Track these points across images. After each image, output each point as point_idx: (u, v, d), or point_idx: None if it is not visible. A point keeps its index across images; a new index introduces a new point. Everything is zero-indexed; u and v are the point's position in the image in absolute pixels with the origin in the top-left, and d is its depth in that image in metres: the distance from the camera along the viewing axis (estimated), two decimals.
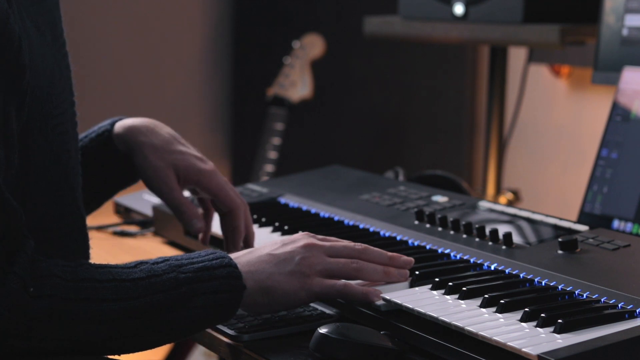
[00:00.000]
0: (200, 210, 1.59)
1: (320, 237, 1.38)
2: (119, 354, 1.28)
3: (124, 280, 1.24)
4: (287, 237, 1.37)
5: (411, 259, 1.38)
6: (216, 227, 1.67)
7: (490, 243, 1.48)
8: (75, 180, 1.37)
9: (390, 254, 1.38)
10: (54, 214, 1.32)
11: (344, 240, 1.39)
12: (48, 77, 1.30)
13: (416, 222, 1.60)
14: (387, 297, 1.31)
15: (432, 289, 1.33)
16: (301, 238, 1.36)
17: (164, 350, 2.88)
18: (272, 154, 3.01)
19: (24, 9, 1.28)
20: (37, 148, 1.29)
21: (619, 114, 1.74)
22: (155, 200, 1.93)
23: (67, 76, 1.37)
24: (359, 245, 1.37)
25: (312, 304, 1.42)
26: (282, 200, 1.81)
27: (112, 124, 1.57)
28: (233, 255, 1.32)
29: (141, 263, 1.28)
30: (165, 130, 1.57)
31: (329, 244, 1.36)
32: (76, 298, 1.21)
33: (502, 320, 1.21)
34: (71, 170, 1.35)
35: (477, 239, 1.50)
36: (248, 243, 1.57)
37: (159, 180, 1.54)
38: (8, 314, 1.18)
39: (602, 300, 1.25)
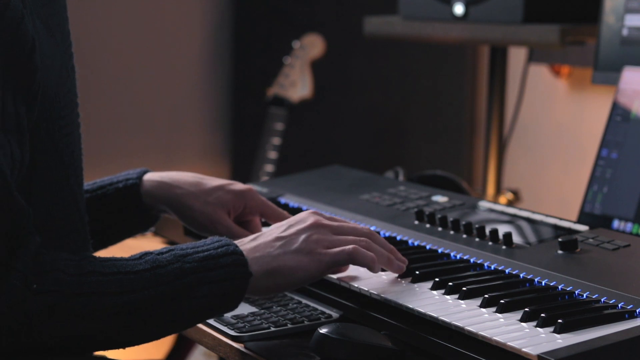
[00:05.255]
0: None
1: (327, 215, 1.38)
2: (124, 347, 1.28)
3: (129, 273, 1.24)
4: (293, 218, 1.36)
5: (406, 259, 1.39)
6: None
7: (490, 243, 1.48)
8: (76, 181, 1.37)
9: (391, 246, 1.39)
10: (54, 214, 1.33)
11: (351, 222, 1.39)
12: (56, 78, 1.31)
13: (416, 222, 1.60)
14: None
15: (432, 289, 1.33)
16: (308, 217, 1.36)
17: (164, 350, 2.89)
18: (272, 154, 3.01)
19: (35, 9, 1.29)
20: (42, 148, 1.29)
21: (619, 114, 1.74)
22: None
23: (72, 77, 1.38)
24: (365, 229, 1.38)
25: (311, 304, 1.42)
26: (282, 200, 1.81)
27: (139, 178, 1.59)
28: (239, 242, 1.31)
29: (146, 254, 1.28)
30: (188, 175, 1.60)
31: (336, 224, 1.36)
32: (80, 292, 1.21)
33: (502, 320, 1.21)
34: (73, 171, 1.35)
35: (477, 239, 1.50)
36: None
37: (214, 223, 1.56)
38: (10, 311, 1.18)
39: (602, 300, 1.25)
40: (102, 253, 1.61)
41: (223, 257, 1.28)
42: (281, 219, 1.57)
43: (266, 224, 1.63)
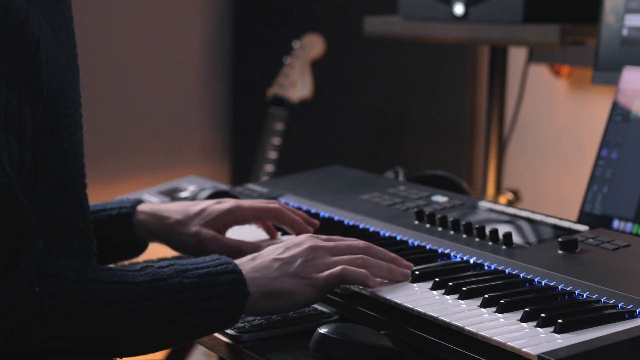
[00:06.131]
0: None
1: (324, 237, 1.38)
2: (120, 357, 1.28)
3: (130, 283, 1.25)
4: (290, 241, 1.37)
5: (411, 264, 1.39)
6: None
7: (490, 243, 1.48)
8: (79, 181, 1.37)
9: (392, 255, 1.38)
10: (57, 214, 1.33)
11: (348, 239, 1.39)
12: (61, 78, 1.31)
13: (416, 222, 1.60)
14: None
15: (432, 289, 1.33)
16: (305, 240, 1.36)
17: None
18: (272, 154, 3.01)
19: (40, 9, 1.29)
20: (46, 148, 1.29)
21: (619, 114, 1.74)
22: (156, 200, 1.93)
23: (77, 77, 1.38)
24: (362, 244, 1.38)
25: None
26: (282, 200, 1.81)
27: (133, 208, 1.61)
28: (238, 261, 1.32)
29: (147, 266, 1.28)
30: (176, 204, 1.63)
31: (332, 244, 1.36)
32: (81, 299, 1.21)
33: (502, 320, 1.21)
34: (76, 171, 1.36)
35: (477, 239, 1.50)
36: (313, 224, 1.61)
37: (204, 242, 1.57)
38: (11, 311, 1.18)
39: (602, 300, 1.25)
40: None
41: (222, 275, 1.28)
42: (274, 214, 1.59)
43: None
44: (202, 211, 1.59)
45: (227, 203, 1.60)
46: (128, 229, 1.60)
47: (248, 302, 1.29)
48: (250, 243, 1.58)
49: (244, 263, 1.32)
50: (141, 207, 1.62)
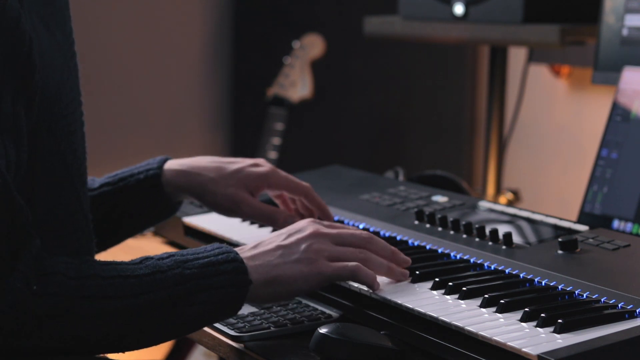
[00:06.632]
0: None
1: (326, 223, 1.38)
2: (124, 351, 1.28)
3: (129, 277, 1.24)
4: (292, 226, 1.37)
5: (408, 258, 1.39)
6: (214, 227, 1.67)
7: (490, 243, 1.48)
8: (80, 180, 1.37)
9: (393, 247, 1.39)
10: (57, 213, 1.33)
11: (351, 228, 1.39)
12: (57, 77, 1.31)
13: (416, 222, 1.60)
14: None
15: (432, 289, 1.33)
16: (307, 226, 1.36)
17: (164, 350, 2.89)
18: (272, 154, 3.01)
19: (34, 8, 1.29)
20: (44, 148, 1.29)
21: (619, 114, 1.74)
22: None
23: (75, 75, 1.38)
24: (365, 234, 1.38)
25: (311, 304, 1.42)
26: None
27: (160, 168, 1.60)
28: (238, 249, 1.32)
29: (146, 259, 1.28)
30: (207, 160, 1.62)
31: (335, 232, 1.36)
32: (80, 296, 1.21)
33: (502, 320, 1.21)
34: (76, 170, 1.35)
35: (477, 239, 1.50)
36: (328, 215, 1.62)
37: (238, 205, 1.57)
38: (11, 311, 1.18)
39: (602, 300, 1.25)
40: (115, 248, 1.62)
41: (223, 264, 1.28)
42: (304, 192, 1.60)
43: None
44: (237, 171, 1.59)
45: (264, 167, 1.60)
46: (158, 189, 1.60)
47: (250, 290, 1.29)
48: (284, 212, 1.58)
49: (245, 251, 1.32)
50: (169, 165, 1.61)
